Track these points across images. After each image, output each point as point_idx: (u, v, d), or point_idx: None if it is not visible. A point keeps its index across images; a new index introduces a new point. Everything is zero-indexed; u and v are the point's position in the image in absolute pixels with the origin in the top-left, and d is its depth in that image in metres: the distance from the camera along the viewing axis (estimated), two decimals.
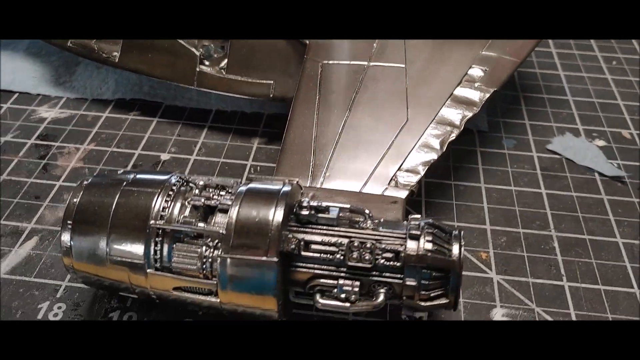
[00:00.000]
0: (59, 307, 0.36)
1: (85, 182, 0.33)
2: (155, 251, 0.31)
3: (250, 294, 0.30)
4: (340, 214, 0.31)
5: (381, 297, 0.30)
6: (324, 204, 0.31)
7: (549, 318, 0.34)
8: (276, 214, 0.30)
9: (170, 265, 0.31)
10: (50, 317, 0.35)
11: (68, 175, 0.45)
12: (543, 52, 0.59)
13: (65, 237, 0.32)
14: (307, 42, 0.44)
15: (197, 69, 0.47)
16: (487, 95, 0.40)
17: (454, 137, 0.38)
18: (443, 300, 0.30)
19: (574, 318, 0.34)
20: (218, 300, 0.31)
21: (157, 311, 0.35)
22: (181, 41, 0.46)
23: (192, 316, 0.35)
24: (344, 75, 0.42)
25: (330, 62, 0.43)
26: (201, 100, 0.52)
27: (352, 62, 0.43)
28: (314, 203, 0.31)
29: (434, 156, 0.37)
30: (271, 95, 0.46)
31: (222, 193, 0.32)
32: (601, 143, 0.47)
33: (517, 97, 0.53)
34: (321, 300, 0.30)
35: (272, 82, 0.46)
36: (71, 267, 0.33)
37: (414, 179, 0.36)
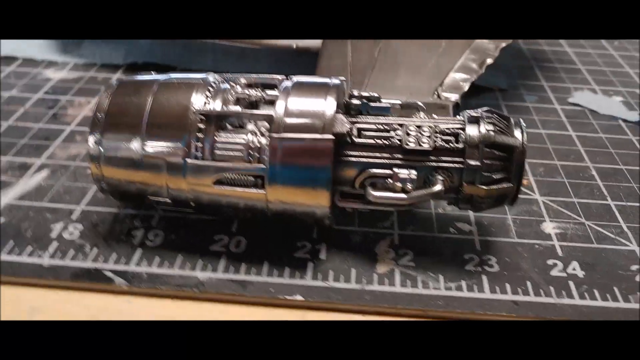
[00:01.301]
0: (75, 227, 0.33)
1: (115, 83, 0.31)
2: (197, 139, 0.28)
3: (301, 186, 0.28)
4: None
5: (439, 185, 0.28)
6: (375, 94, 0.30)
7: (602, 230, 0.33)
8: (328, 99, 0.29)
9: (213, 155, 0.29)
10: (65, 236, 0.32)
11: (81, 121, 0.43)
12: None
13: (95, 137, 0.30)
14: None
15: None
16: None
17: (491, 62, 0.38)
18: (505, 184, 0.28)
19: (626, 230, 0.33)
20: (264, 193, 0.28)
21: (185, 229, 0.32)
22: None
23: (226, 231, 0.32)
24: None
25: None
26: (218, 65, 0.51)
27: None
28: (365, 93, 0.30)
29: (473, 75, 0.36)
30: (294, 47, 0.46)
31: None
32: (619, 99, 0.48)
33: (532, 67, 0.53)
34: (374, 193, 0.28)
35: None
36: (99, 174, 0.30)
37: (456, 92, 0.35)
